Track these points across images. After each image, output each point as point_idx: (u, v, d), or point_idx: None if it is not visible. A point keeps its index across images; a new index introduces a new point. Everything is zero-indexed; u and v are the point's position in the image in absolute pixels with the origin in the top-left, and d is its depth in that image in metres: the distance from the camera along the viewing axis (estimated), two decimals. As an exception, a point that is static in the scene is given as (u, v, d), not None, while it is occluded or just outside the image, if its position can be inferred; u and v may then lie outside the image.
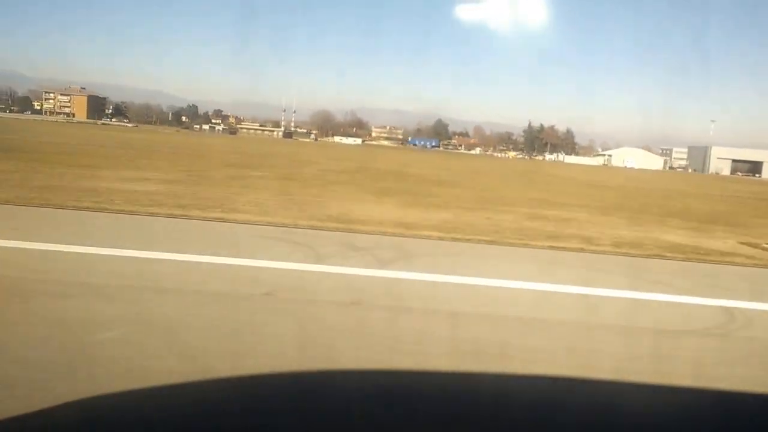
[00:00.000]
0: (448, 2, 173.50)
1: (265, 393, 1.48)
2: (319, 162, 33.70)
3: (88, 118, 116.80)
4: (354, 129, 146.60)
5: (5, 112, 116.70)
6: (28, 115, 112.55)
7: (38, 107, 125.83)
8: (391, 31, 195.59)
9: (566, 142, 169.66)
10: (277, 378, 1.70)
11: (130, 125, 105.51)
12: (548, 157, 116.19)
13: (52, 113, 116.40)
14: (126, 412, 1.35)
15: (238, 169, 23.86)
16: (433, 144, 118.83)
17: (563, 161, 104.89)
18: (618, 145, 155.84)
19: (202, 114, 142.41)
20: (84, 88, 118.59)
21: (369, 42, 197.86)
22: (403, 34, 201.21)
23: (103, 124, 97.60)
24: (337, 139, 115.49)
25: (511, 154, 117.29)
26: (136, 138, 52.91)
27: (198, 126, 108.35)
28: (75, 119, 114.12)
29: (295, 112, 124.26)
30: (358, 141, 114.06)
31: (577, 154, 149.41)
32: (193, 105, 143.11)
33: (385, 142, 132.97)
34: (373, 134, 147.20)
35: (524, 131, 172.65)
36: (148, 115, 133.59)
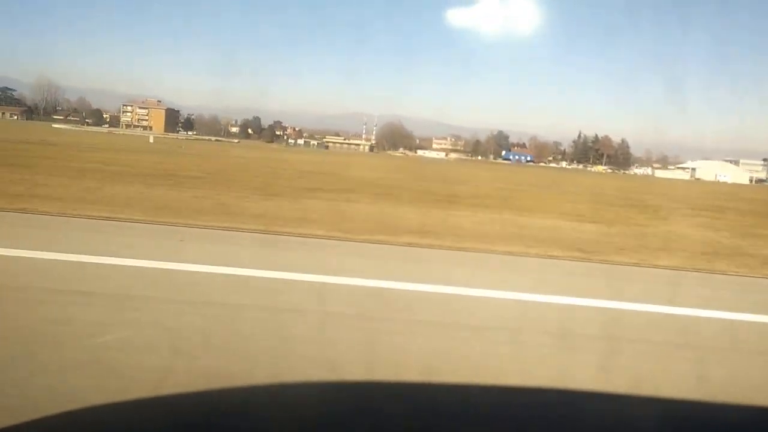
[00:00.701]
0: (462, 8, 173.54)
1: None
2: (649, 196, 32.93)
3: (165, 131, 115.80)
4: (417, 141, 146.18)
5: (81, 125, 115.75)
6: (107, 129, 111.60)
7: (106, 119, 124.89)
8: (409, 34, 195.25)
9: (620, 153, 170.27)
10: None
11: (233, 140, 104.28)
12: (636, 171, 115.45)
13: (128, 126, 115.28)
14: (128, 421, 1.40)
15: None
16: (528, 159, 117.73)
17: (654, 175, 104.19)
18: (677, 156, 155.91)
19: (266, 126, 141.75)
20: (160, 101, 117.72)
21: (391, 48, 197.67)
22: (418, 35, 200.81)
23: (218, 140, 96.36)
24: (419, 152, 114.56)
25: (600, 168, 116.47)
26: (310, 161, 51.31)
27: (293, 141, 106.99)
28: (153, 132, 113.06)
29: (376, 125, 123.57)
30: (441, 155, 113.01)
31: (631, 165, 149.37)
32: (256, 117, 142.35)
33: (454, 155, 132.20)
34: (434, 146, 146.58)
35: (574, 141, 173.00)
36: (215, 128, 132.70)
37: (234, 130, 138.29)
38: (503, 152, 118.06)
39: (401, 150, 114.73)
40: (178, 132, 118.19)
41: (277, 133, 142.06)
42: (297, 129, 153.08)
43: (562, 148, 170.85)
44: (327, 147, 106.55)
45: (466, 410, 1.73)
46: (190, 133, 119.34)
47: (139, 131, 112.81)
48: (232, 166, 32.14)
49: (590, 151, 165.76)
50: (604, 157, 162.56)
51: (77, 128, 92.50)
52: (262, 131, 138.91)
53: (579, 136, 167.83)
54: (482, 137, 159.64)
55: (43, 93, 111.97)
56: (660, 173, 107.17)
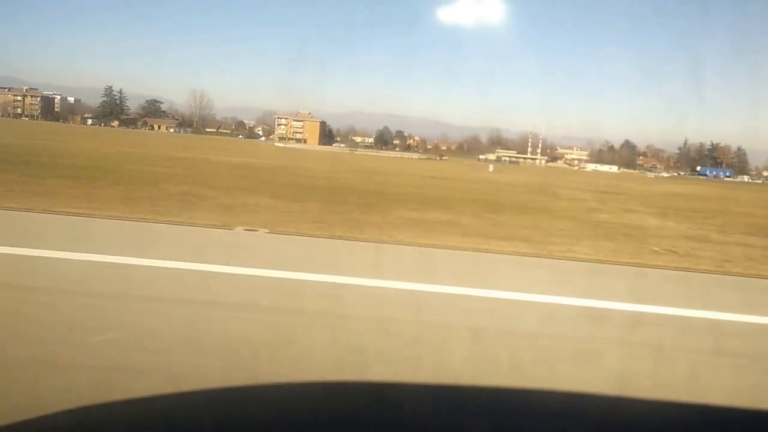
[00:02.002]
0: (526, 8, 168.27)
1: None
2: None
3: (319, 143, 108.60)
4: (548, 150, 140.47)
5: (234, 137, 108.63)
6: (263, 141, 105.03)
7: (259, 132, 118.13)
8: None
9: (737, 162, 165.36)
10: None
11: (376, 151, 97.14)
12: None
13: (282, 139, 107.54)
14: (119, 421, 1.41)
15: None
16: (728, 174, 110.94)
17: None
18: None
19: (396, 135, 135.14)
20: (311, 113, 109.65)
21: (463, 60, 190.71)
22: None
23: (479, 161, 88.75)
24: (591, 167, 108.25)
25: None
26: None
27: (483, 156, 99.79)
28: (308, 145, 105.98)
29: (543, 137, 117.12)
30: (614, 168, 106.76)
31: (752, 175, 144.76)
32: (386, 127, 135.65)
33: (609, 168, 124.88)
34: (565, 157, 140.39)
35: (679, 149, 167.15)
36: (348, 138, 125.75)
37: (364, 140, 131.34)
38: (698, 167, 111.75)
39: (575, 162, 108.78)
40: (332, 144, 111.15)
41: (408, 143, 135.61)
42: (418, 139, 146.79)
43: (666, 156, 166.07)
44: (518, 163, 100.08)
45: None
46: (342, 145, 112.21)
47: (292, 144, 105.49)
48: None
49: (706, 159, 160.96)
50: (723, 165, 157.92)
51: (289, 146, 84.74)
52: (392, 142, 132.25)
53: (685, 143, 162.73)
54: (596, 147, 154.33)
55: (195, 106, 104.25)
56: None
